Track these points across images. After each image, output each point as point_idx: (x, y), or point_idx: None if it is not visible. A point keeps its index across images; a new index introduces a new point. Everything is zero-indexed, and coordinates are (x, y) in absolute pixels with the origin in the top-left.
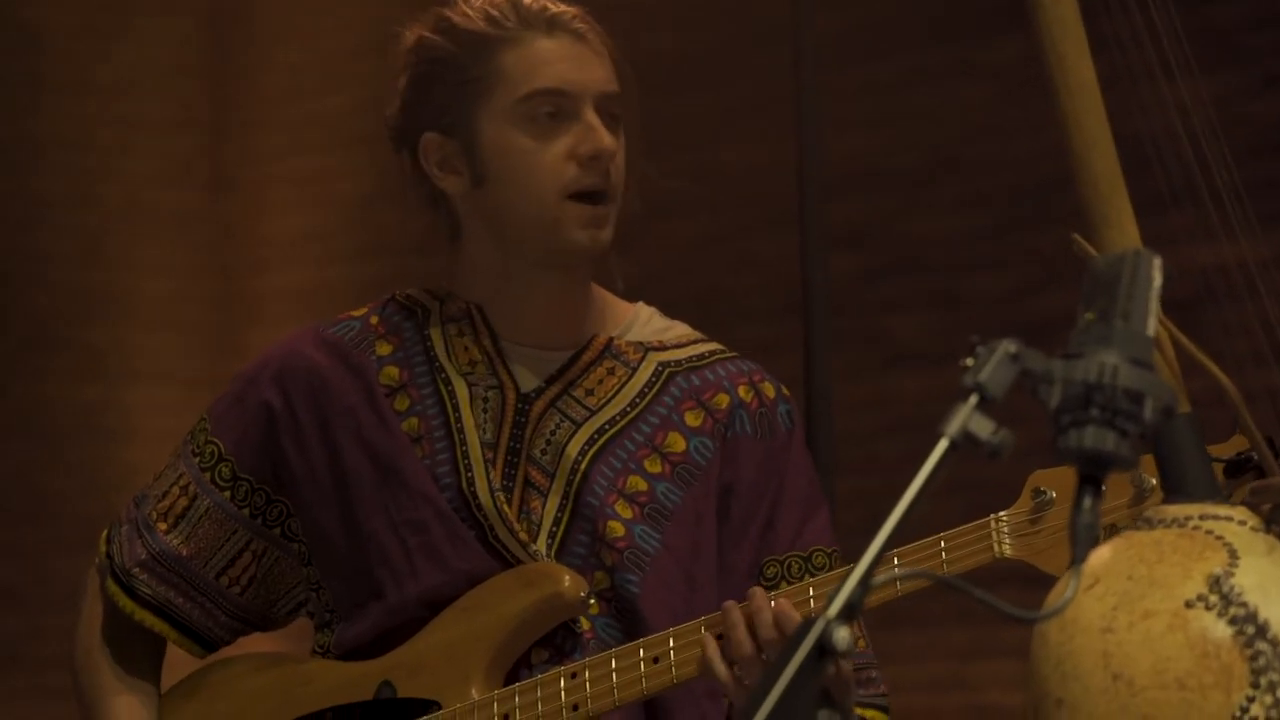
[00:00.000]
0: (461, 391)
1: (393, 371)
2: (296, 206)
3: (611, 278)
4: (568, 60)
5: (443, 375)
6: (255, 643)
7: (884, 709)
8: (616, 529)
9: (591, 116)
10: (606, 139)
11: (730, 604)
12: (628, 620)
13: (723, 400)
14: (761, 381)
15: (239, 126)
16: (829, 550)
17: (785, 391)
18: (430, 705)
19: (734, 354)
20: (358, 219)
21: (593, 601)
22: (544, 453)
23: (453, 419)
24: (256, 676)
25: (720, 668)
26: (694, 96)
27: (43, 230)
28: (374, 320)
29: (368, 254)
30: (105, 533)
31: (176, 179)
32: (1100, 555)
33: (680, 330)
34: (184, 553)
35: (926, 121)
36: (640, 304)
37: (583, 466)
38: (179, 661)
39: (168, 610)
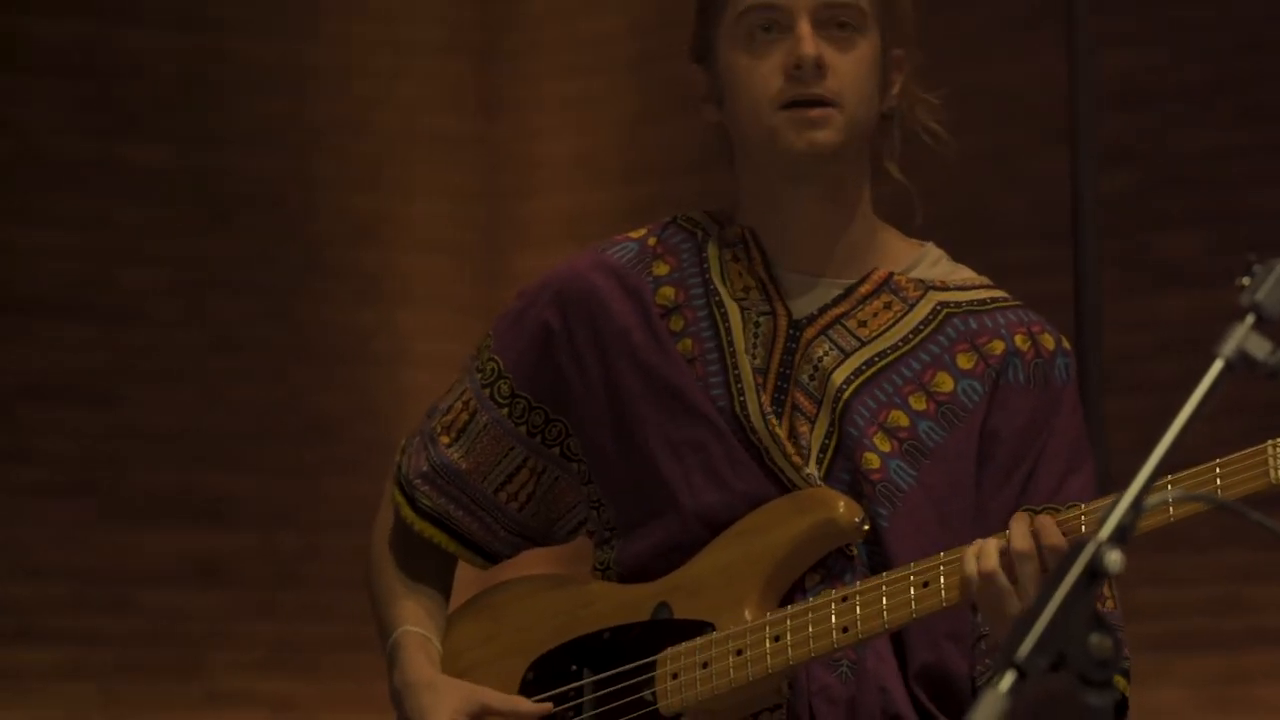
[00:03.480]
0: (734, 315)
1: (668, 292)
2: (566, 130)
3: (909, 211)
4: None
5: (717, 299)
6: (534, 559)
7: (1124, 672)
8: (872, 461)
9: (803, 27)
10: (807, 47)
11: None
12: (878, 553)
13: (997, 347)
14: (1041, 333)
15: (509, 50)
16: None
17: (1066, 345)
18: (705, 626)
19: (1018, 303)
20: (626, 141)
21: (866, 528)
22: (811, 379)
23: (725, 342)
24: (541, 596)
25: (971, 564)
26: (963, 13)
27: (318, 156)
28: (651, 242)
29: (636, 176)
30: (403, 441)
31: (448, 103)
32: None
33: (966, 274)
34: (463, 467)
35: (1202, 35)
36: (930, 244)
37: (846, 396)
38: (470, 580)
39: (446, 522)
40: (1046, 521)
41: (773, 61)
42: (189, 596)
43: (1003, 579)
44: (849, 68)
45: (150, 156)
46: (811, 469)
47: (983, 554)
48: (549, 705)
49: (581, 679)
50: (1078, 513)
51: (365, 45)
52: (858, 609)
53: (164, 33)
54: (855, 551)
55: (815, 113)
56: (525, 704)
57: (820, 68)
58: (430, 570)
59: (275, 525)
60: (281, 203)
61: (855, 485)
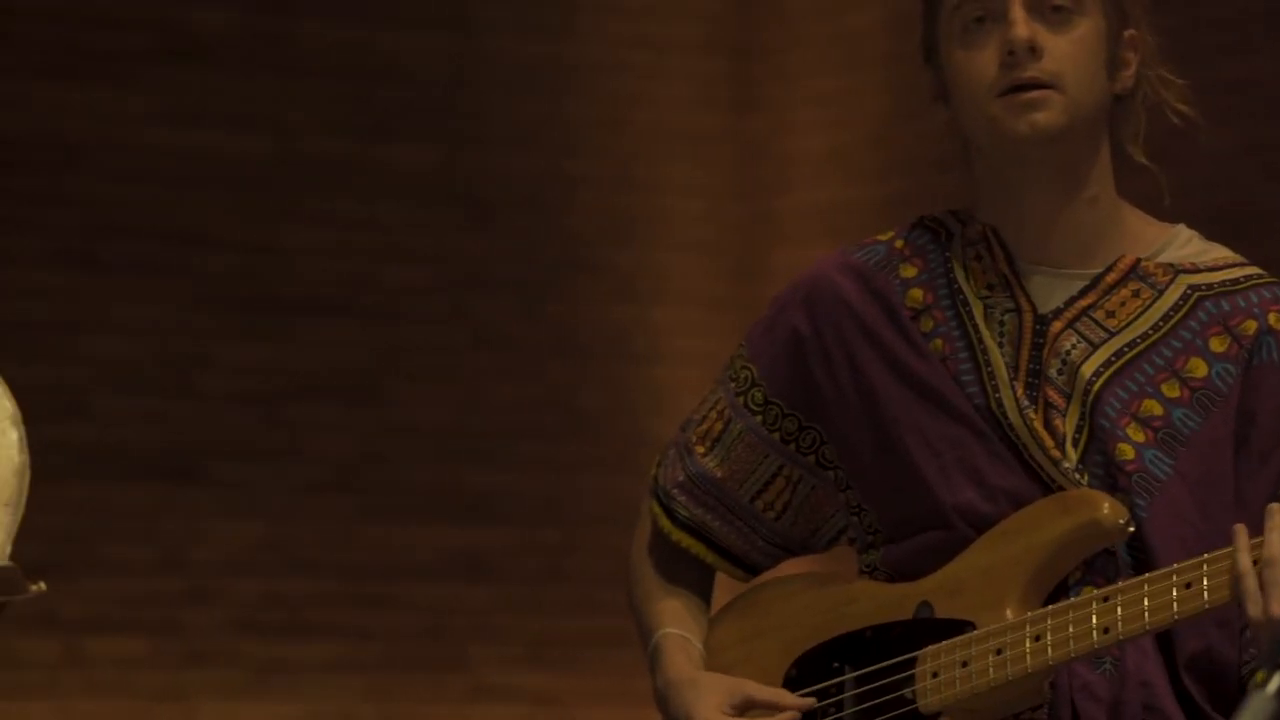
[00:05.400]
0: (980, 314)
1: (917, 294)
2: (820, 126)
3: (1157, 193)
4: None
5: (961, 297)
6: (795, 560)
7: None
8: (1126, 452)
9: (1015, 12)
10: (1019, 30)
11: (1274, 505)
12: (1137, 545)
13: (1250, 326)
14: None
15: (764, 47)
16: None
17: None
18: (965, 626)
19: (1273, 279)
20: (880, 137)
21: (1131, 529)
22: (1060, 373)
23: (975, 340)
24: (804, 594)
25: (1244, 559)
26: (1224, 5)
27: (576, 155)
28: (899, 244)
29: (889, 172)
30: (658, 456)
31: (704, 101)
32: None
33: (1219, 253)
34: (719, 475)
35: None
36: (1180, 226)
37: (1096, 388)
38: (727, 587)
39: (704, 532)
40: None
41: (988, 51)
42: (453, 592)
43: (1251, 581)
44: (1066, 48)
45: (411, 157)
46: (1069, 462)
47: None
48: (813, 700)
49: (843, 675)
50: None
51: (622, 43)
52: (1119, 609)
53: (424, 33)
54: (1115, 546)
55: (1032, 95)
56: (789, 697)
57: (1034, 50)
58: (690, 577)
59: (536, 521)
60: (540, 201)
61: (1110, 477)
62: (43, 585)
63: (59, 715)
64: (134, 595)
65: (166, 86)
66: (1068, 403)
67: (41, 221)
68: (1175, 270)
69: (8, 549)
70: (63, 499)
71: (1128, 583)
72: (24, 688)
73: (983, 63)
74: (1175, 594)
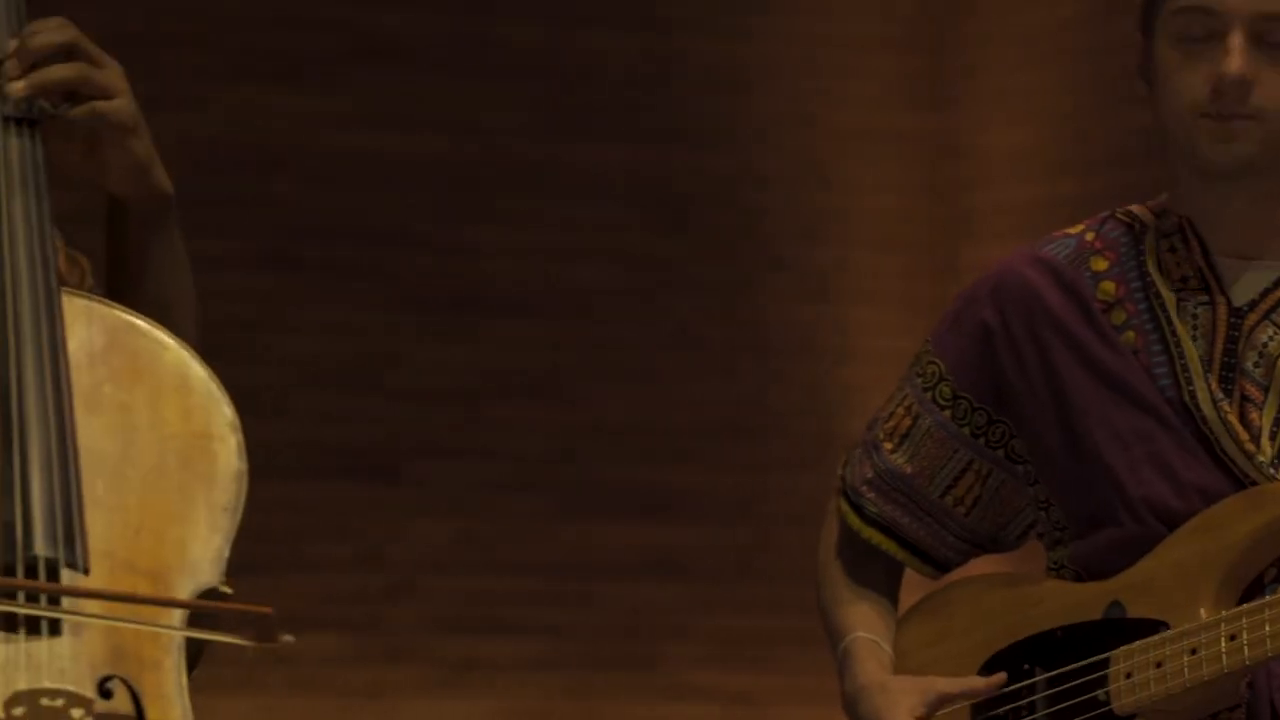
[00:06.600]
0: (1172, 306)
1: (1109, 287)
2: (1015, 122)
3: None
4: None
5: (1154, 290)
6: (982, 562)
7: None
8: None
9: (1234, 40)
10: (1234, 65)
11: None
12: None
13: None
14: None
15: (958, 44)
16: None
17: None
18: (1159, 625)
19: None
20: (1075, 133)
21: None
22: (1256, 366)
23: (1168, 333)
24: (992, 594)
25: None
26: None
27: (768, 153)
28: (1089, 237)
29: (1085, 168)
30: (844, 455)
31: (897, 98)
32: None
33: None
34: (908, 471)
35: None
36: None
37: None
38: (919, 584)
39: (894, 529)
40: None
41: (1200, 70)
42: (647, 590)
43: None
44: (1274, 82)
45: (605, 157)
46: (1264, 457)
47: None
48: (1003, 675)
49: (1034, 677)
50: None
51: (813, 41)
52: None
53: (617, 33)
54: None
55: (1232, 125)
56: (979, 681)
57: (1244, 85)
58: (878, 578)
59: (729, 520)
60: (732, 200)
61: None
62: (291, 638)
63: (261, 712)
64: (334, 593)
65: (362, 89)
66: (1265, 396)
67: (242, 224)
68: None
69: (226, 553)
70: (263, 497)
71: None
72: (226, 684)
73: (1193, 79)
74: None
